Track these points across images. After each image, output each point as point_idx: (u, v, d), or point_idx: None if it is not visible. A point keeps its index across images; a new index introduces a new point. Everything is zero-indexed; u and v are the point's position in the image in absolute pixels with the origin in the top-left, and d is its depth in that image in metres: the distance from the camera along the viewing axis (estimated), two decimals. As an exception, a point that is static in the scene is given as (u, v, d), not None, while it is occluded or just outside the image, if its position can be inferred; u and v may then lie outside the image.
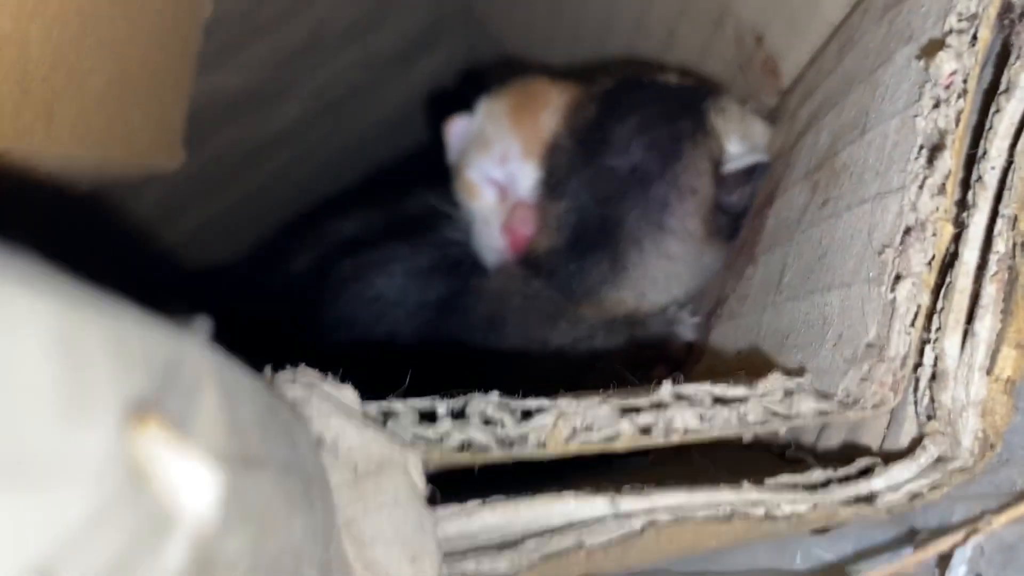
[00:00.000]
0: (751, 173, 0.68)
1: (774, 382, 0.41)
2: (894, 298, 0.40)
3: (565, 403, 0.40)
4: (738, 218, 0.70)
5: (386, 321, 0.84)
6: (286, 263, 1.23)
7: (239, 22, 0.97)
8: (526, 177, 0.79)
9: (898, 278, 0.41)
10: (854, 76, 0.54)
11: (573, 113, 0.74)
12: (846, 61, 0.57)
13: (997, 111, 0.42)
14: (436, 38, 1.37)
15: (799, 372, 0.43)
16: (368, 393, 0.77)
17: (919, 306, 0.40)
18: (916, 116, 0.43)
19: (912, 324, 0.40)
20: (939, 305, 0.41)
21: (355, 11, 1.16)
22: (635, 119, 0.69)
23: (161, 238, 1.26)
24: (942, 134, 0.41)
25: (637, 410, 0.41)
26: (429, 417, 0.41)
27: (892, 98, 0.46)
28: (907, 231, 0.41)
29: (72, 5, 0.48)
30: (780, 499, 0.40)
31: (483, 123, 0.85)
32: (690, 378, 0.60)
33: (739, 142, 0.70)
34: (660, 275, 0.69)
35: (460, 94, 0.90)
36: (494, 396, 0.41)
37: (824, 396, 0.41)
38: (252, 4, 0.96)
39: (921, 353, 0.41)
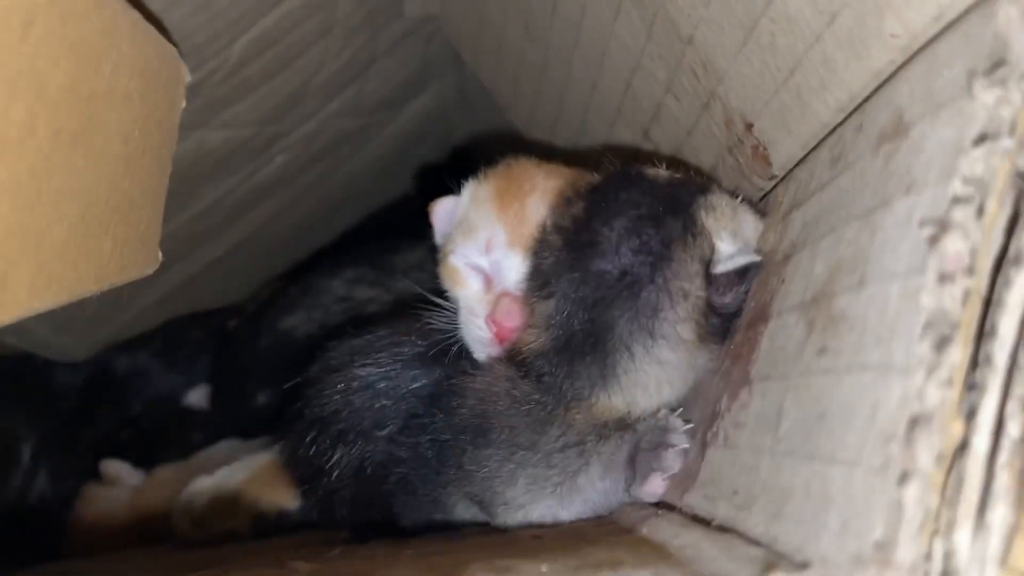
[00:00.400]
0: (744, 274, 0.66)
1: (776, 581, 0.39)
2: (901, 499, 0.38)
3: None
4: (731, 318, 0.67)
5: (372, 410, 0.82)
6: (274, 320, 1.22)
7: (222, 82, 0.95)
8: (512, 267, 0.77)
9: (905, 475, 0.38)
10: (850, 206, 0.51)
11: (560, 209, 0.72)
12: (841, 180, 0.54)
13: (1006, 283, 0.39)
14: (423, 82, 1.35)
15: (803, 565, 0.41)
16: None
17: (927, 509, 0.38)
18: (920, 290, 0.40)
19: (921, 527, 0.38)
20: (947, 494, 0.39)
21: (341, 60, 1.13)
22: (623, 221, 0.67)
23: (150, 288, 1.25)
24: (949, 319, 0.39)
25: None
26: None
27: (893, 254, 0.44)
28: (913, 422, 0.38)
29: (24, 171, 0.45)
30: None
31: (468, 208, 0.82)
32: (685, 497, 0.59)
33: (730, 240, 0.67)
34: (652, 381, 0.67)
35: (450, 169, 0.88)
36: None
37: (829, 597, 0.39)
38: (236, 65, 0.93)
39: (931, 545, 0.39)
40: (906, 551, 0.38)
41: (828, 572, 0.40)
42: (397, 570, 0.53)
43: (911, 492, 0.38)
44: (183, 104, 0.72)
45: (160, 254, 0.73)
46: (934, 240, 0.40)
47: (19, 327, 1.08)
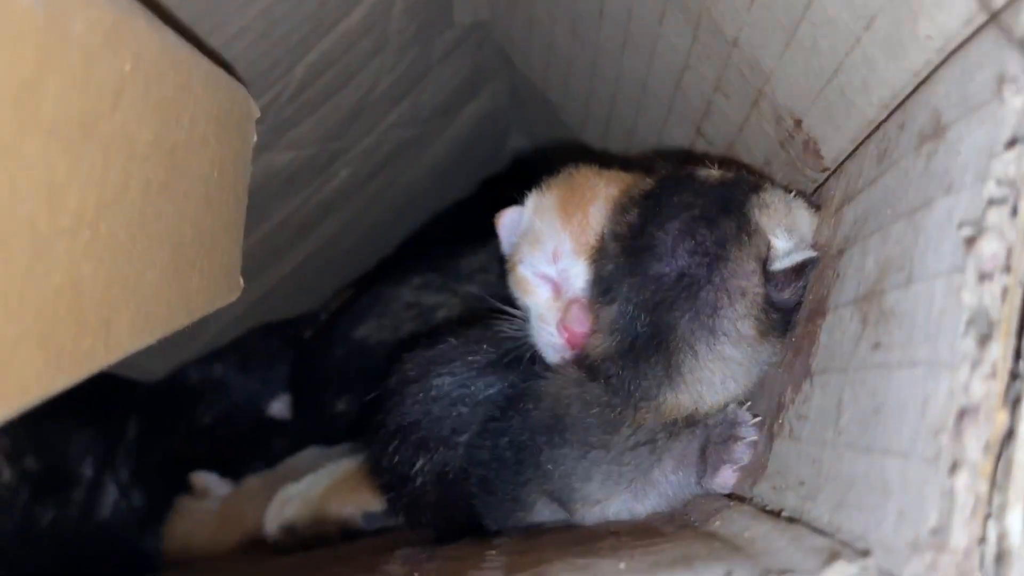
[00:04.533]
0: (801, 270, 0.68)
1: (840, 571, 0.42)
2: (952, 488, 0.40)
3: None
4: (791, 312, 0.69)
5: (451, 418, 0.85)
6: (348, 329, 1.25)
7: (287, 104, 0.98)
8: (579, 274, 0.79)
9: (955, 465, 0.40)
10: (896, 204, 0.53)
11: (616, 217, 0.74)
12: (887, 178, 0.57)
13: (1044, 277, 0.41)
14: (477, 87, 1.38)
15: (864, 553, 0.43)
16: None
17: (977, 496, 0.40)
18: (961, 289, 0.42)
19: (973, 512, 0.40)
20: (997, 479, 0.41)
21: (396, 74, 1.16)
22: (678, 224, 0.69)
23: (229, 306, 1.29)
24: (989, 316, 0.41)
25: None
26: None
27: (936, 253, 0.46)
28: (960, 415, 0.41)
29: (121, 225, 0.49)
30: None
31: (533, 218, 0.85)
32: (755, 487, 0.61)
33: (786, 236, 0.69)
34: (717, 378, 0.69)
35: (511, 178, 0.90)
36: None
37: (890, 580, 0.41)
38: (298, 88, 0.97)
39: (984, 528, 0.41)
40: (960, 536, 0.40)
41: (888, 559, 0.43)
42: (485, 572, 0.56)
43: (961, 480, 0.40)
44: (254, 139, 0.76)
45: (241, 280, 0.77)
46: (971, 242, 0.42)
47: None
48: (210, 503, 1.33)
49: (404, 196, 1.45)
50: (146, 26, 0.49)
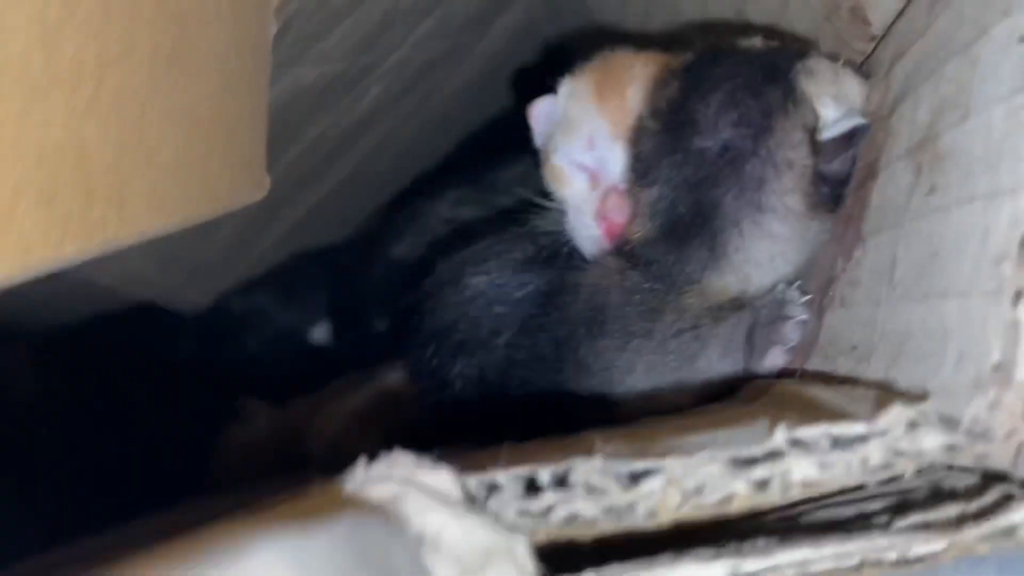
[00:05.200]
0: (851, 138, 0.64)
1: (896, 415, 0.39)
2: (1017, 319, 0.37)
3: (673, 464, 0.38)
4: (841, 185, 0.66)
5: (488, 318, 0.83)
6: (385, 248, 1.23)
7: (311, 15, 0.95)
8: (616, 160, 0.76)
9: (1020, 294, 0.37)
10: (949, 44, 0.50)
11: (655, 93, 0.71)
12: (939, 22, 0.53)
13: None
14: (509, -2, 1.34)
15: (921, 397, 0.40)
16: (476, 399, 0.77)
17: (1046, 325, 0.37)
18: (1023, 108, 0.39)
19: (1040, 345, 0.37)
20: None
21: (424, -20, 1.13)
22: (720, 95, 0.66)
23: (266, 231, 1.28)
24: (1055, 130, 0.37)
25: (750, 462, 0.38)
26: (531, 486, 0.40)
27: (995, 80, 0.42)
28: (1024, 241, 0.38)
29: (128, 90, 0.47)
30: (913, 541, 0.37)
31: (567, 105, 0.82)
32: (805, 369, 0.58)
33: (834, 105, 0.66)
34: (764, 257, 0.66)
35: (544, 71, 0.87)
36: (598, 460, 0.39)
37: (950, 424, 0.38)
38: (324, -4, 0.94)
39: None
40: (1025, 370, 0.37)
41: (947, 402, 0.40)
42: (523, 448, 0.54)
43: (1027, 310, 0.37)
44: (274, 28, 0.73)
45: (268, 179, 0.75)
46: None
47: (144, 279, 1.12)
48: (257, 429, 1.33)
49: (439, 113, 1.42)
50: None
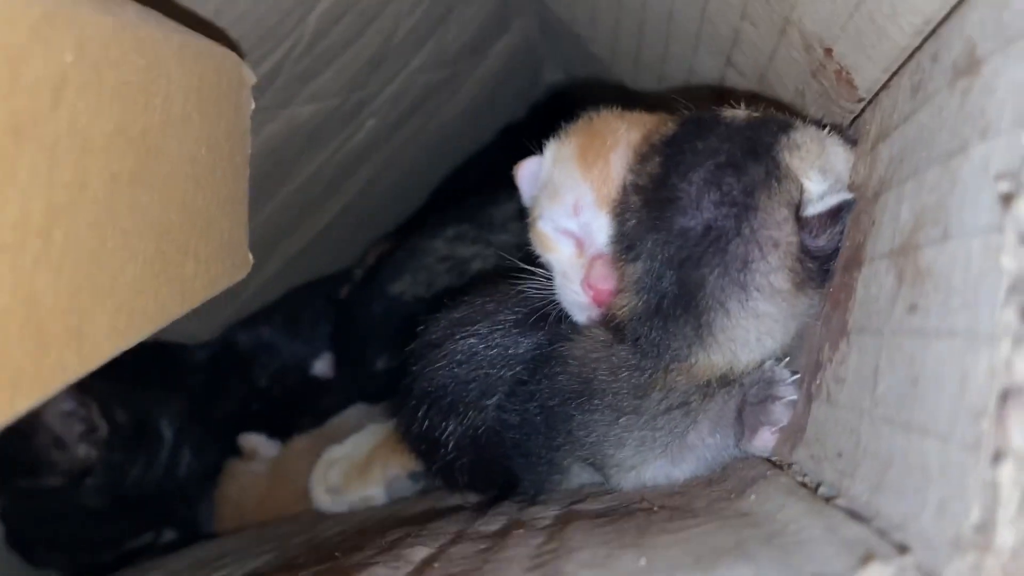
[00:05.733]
0: (837, 213, 0.63)
1: (875, 573, 0.37)
2: (995, 480, 0.36)
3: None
4: (828, 260, 0.64)
5: (478, 380, 0.82)
6: (383, 286, 1.23)
7: (301, 57, 0.94)
8: (602, 228, 0.75)
9: (999, 454, 0.36)
10: (930, 146, 0.48)
11: (637, 166, 0.69)
12: (921, 115, 0.51)
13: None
14: (505, 23, 1.32)
15: (902, 549, 0.39)
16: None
17: (1025, 490, 0.35)
18: (1000, 251, 0.37)
19: (1020, 509, 0.35)
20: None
21: (416, 15, 1.11)
22: (701, 173, 0.64)
23: (267, 264, 1.27)
24: (1032, 284, 0.36)
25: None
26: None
27: (972, 208, 0.41)
28: (1004, 396, 0.36)
29: (82, 228, 0.46)
30: None
31: (552, 170, 0.80)
32: (795, 452, 0.57)
33: (820, 178, 0.64)
34: (751, 336, 0.65)
35: (532, 128, 0.85)
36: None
37: (931, 583, 0.37)
38: (312, 38, 0.93)
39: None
40: (1006, 534, 0.35)
41: (928, 556, 0.38)
42: (500, 563, 0.53)
43: (1006, 472, 0.35)
44: (251, 106, 0.72)
45: (250, 257, 0.74)
46: (1009, 199, 0.37)
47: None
48: (259, 465, 1.33)
49: (437, 141, 1.40)
50: (90, 10, 0.45)
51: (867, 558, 0.38)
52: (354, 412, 1.31)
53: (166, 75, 0.55)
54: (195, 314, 1.28)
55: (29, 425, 1.16)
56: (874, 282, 0.53)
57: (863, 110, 0.68)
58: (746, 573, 0.40)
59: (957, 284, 0.41)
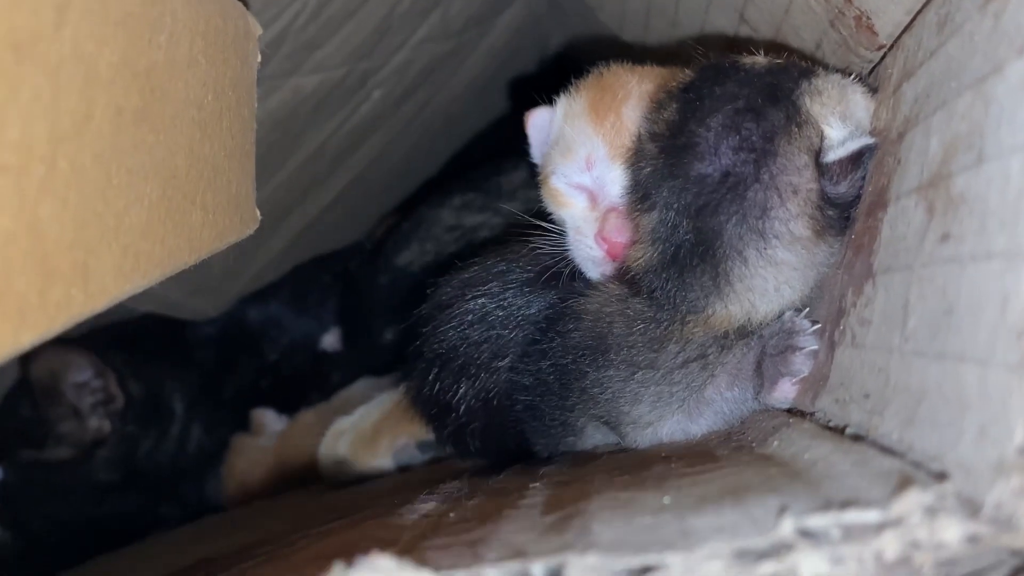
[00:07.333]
0: (858, 158, 0.61)
1: (914, 500, 0.36)
2: (1042, 399, 0.34)
3: (673, 559, 0.36)
4: (849, 207, 0.63)
5: (490, 341, 0.80)
6: (390, 258, 1.21)
7: (307, 24, 0.93)
8: (615, 181, 0.73)
9: (1044, 372, 0.34)
10: (960, 74, 0.47)
11: (653, 114, 0.68)
12: (949, 46, 0.50)
13: None
14: (510, -6, 1.30)
15: (940, 477, 0.37)
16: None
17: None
18: (1043, 163, 0.36)
19: (1067, 427, 0.34)
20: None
21: (422, -17, 1.10)
22: (720, 118, 0.62)
23: (273, 239, 1.26)
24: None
25: (755, 556, 0.36)
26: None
27: (1011, 126, 0.39)
28: (1048, 313, 0.35)
29: (87, 160, 0.44)
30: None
31: (563, 125, 0.79)
32: (817, 401, 0.55)
33: (840, 124, 0.62)
34: (770, 285, 0.63)
35: (546, 79, 0.84)
36: (593, 556, 0.37)
37: (971, 508, 0.36)
38: (317, 6, 0.92)
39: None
40: (1053, 455, 0.34)
41: (968, 482, 0.37)
42: (521, 509, 0.52)
43: (1053, 390, 0.34)
44: (258, 58, 0.71)
45: (258, 213, 0.73)
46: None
47: (152, 293, 1.11)
48: (266, 439, 1.32)
49: (443, 114, 1.39)
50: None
51: (903, 484, 0.37)
52: (361, 385, 1.29)
53: (171, 14, 0.53)
54: (201, 291, 1.28)
55: (43, 392, 1.14)
56: (901, 220, 0.51)
57: (883, 58, 0.66)
58: (774, 504, 0.39)
59: (994, 206, 0.40)
